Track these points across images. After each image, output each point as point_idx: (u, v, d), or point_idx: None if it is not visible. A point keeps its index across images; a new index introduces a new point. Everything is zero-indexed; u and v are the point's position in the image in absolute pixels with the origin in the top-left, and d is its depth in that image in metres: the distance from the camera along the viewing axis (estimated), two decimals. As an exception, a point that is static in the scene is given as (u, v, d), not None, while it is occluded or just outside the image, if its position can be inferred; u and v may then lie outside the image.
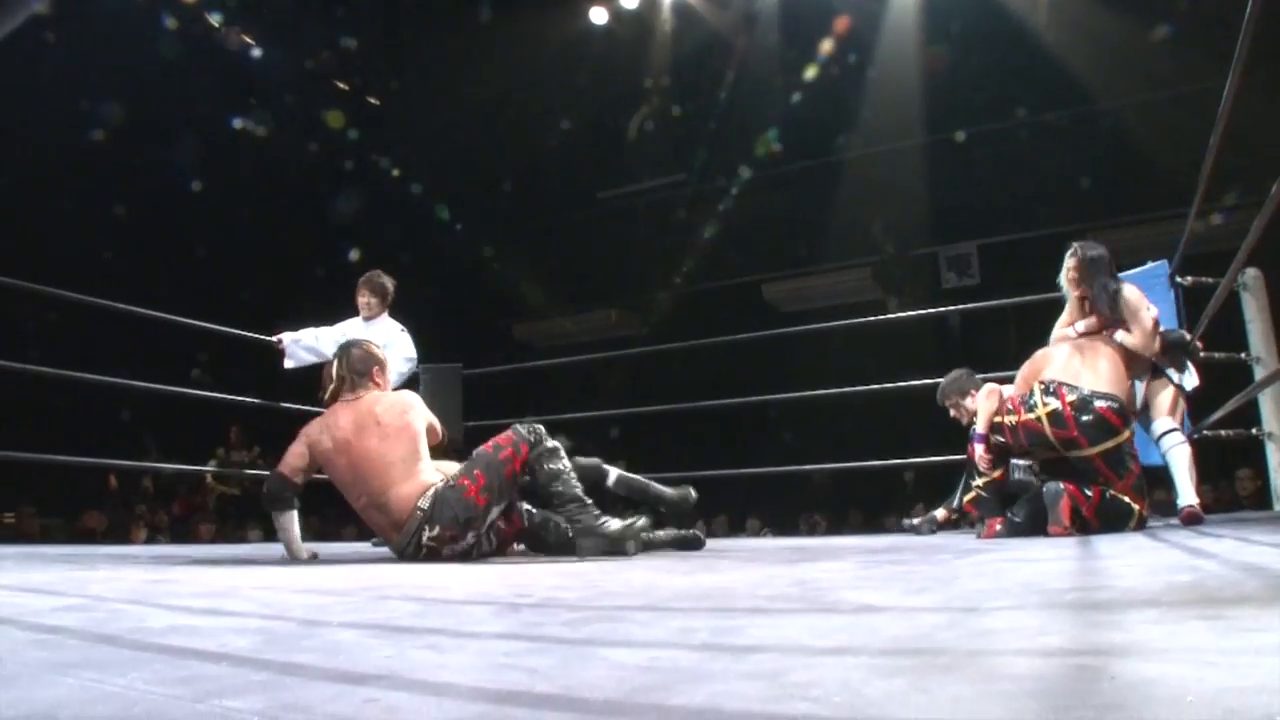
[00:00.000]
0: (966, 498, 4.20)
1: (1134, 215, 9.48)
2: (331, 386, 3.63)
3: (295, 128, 10.28)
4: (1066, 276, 4.21)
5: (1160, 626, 1.18)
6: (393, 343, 5.19)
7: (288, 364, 5.44)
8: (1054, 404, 3.79)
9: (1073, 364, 3.96)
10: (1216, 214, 7.36)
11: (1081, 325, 4.11)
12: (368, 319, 5.42)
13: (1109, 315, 4.04)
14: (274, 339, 5.46)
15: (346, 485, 3.45)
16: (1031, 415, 3.84)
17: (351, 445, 3.40)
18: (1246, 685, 0.80)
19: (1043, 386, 3.87)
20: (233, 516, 9.90)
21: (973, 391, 4.58)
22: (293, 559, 3.52)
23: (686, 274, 11.93)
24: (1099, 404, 3.75)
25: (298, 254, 10.83)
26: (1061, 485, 3.69)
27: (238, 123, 10.06)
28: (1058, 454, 3.88)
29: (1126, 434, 3.79)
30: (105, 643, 1.30)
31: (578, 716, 0.80)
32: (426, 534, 3.27)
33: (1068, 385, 3.82)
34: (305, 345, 5.42)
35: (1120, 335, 4.02)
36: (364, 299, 5.46)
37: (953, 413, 4.77)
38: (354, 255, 10.84)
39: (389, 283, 5.49)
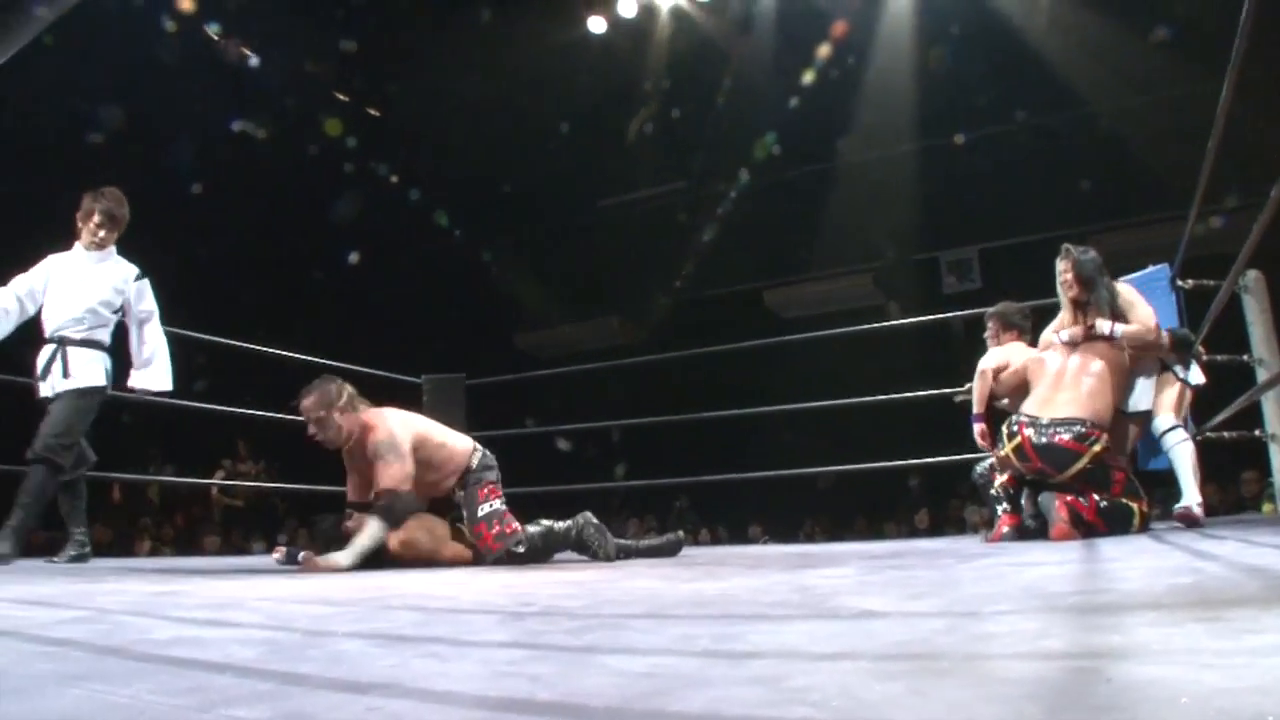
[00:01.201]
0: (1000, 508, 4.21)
1: (1134, 218, 9.48)
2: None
3: (294, 136, 10.30)
4: (1060, 280, 4.23)
5: (1159, 629, 1.18)
6: (137, 297, 4.19)
7: None
8: (1017, 439, 3.93)
9: (1048, 387, 4.06)
10: (1216, 217, 7.35)
11: (1066, 335, 4.15)
12: (99, 251, 4.11)
13: (1108, 316, 4.07)
14: None
15: (432, 445, 3.82)
16: (1003, 451, 4.01)
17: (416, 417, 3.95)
18: (1240, 686, 0.81)
19: (1009, 425, 4.01)
20: (237, 528, 9.91)
21: (1015, 331, 4.70)
22: (347, 567, 3.48)
23: (687, 281, 11.94)
24: (1057, 436, 3.84)
25: (296, 263, 10.87)
26: (1054, 493, 3.77)
27: (236, 126, 10.07)
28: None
29: (1094, 450, 3.81)
30: (111, 654, 1.31)
31: (578, 723, 0.81)
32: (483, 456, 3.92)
33: (1028, 418, 3.95)
34: None
35: (1120, 328, 4.04)
36: (95, 225, 4.07)
37: (988, 334, 4.85)
38: (353, 258, 10.88)
39: (126, 205, 4.17)
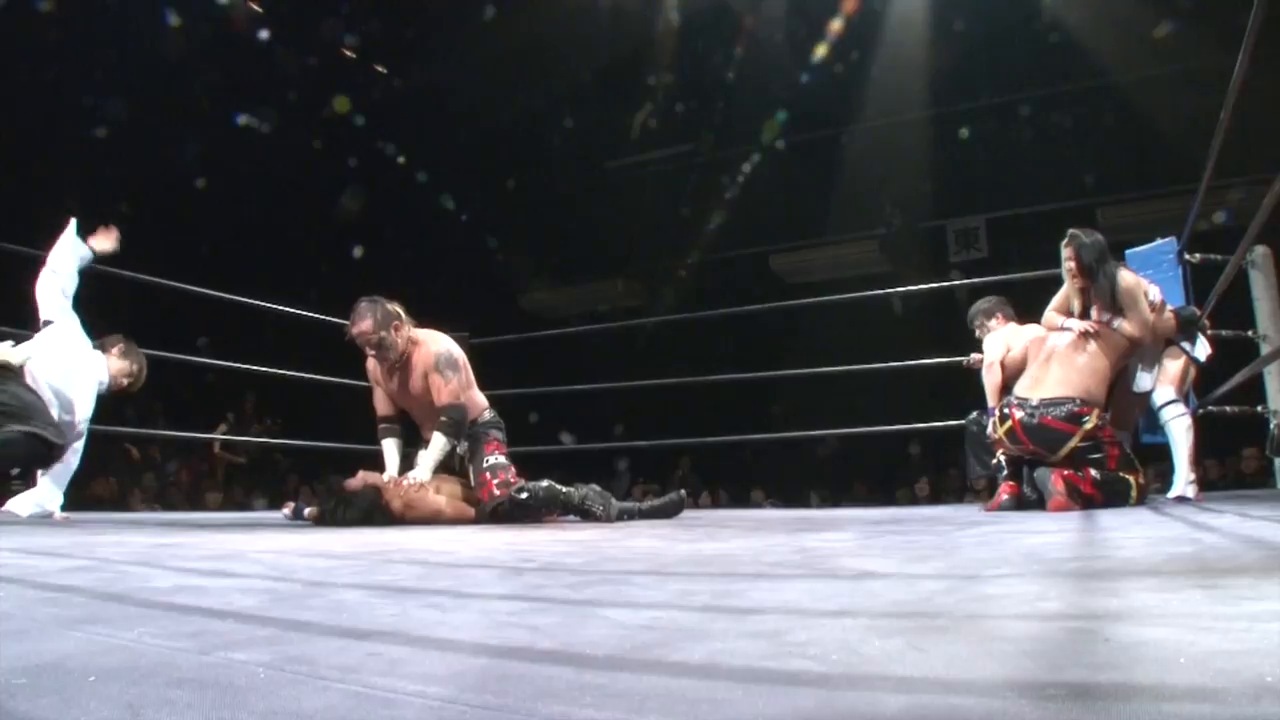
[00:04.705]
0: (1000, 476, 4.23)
1: (1142, 191, 9.41)
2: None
3: (303, 89, 10.21)
4: (1065, 267, 4.17)
5: (1158, 594, 1.19)
6: None
7: None
8: (1008, 423, 3.94)
9: (1039, 366, 4.04)
10: (1234, 191, 7.25)
11: (1076, 325, 4.03)
12: None
13: (1110, 305, 4.01)
14: None
15: (469, 376, 4.10)
16: (997, 435, 4.04)
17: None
18: (1239, 649, 0.81)
19: (1001, 408, 4.03)
20: (239, 485, 9.95)
21: (999, 315, 4.77)
22: (427, 480, 3.79)
23: (694, 245, 11.88)
24: (1047, 417, 3.84)
25: (299, 219, 10.84)
26: (1049, 469, 3.78)
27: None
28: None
29: (1085, 428, 3.79)
30: (113, 600, 1.32)
31: (579, 671, 0.81)
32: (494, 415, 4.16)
33: (1019, 400, 3.95)
34: None
35: (1117, 323, 4.00)
36: None
37: (978, 333, 4.88)
38: (358, 251, 10.83)
39: None
